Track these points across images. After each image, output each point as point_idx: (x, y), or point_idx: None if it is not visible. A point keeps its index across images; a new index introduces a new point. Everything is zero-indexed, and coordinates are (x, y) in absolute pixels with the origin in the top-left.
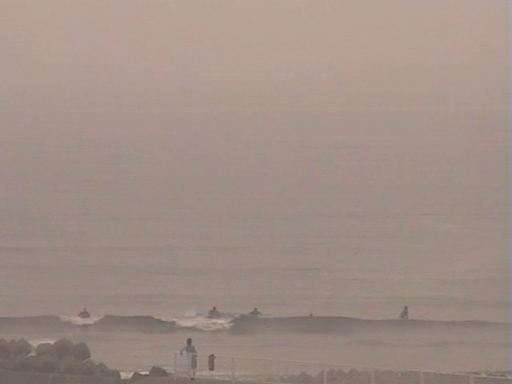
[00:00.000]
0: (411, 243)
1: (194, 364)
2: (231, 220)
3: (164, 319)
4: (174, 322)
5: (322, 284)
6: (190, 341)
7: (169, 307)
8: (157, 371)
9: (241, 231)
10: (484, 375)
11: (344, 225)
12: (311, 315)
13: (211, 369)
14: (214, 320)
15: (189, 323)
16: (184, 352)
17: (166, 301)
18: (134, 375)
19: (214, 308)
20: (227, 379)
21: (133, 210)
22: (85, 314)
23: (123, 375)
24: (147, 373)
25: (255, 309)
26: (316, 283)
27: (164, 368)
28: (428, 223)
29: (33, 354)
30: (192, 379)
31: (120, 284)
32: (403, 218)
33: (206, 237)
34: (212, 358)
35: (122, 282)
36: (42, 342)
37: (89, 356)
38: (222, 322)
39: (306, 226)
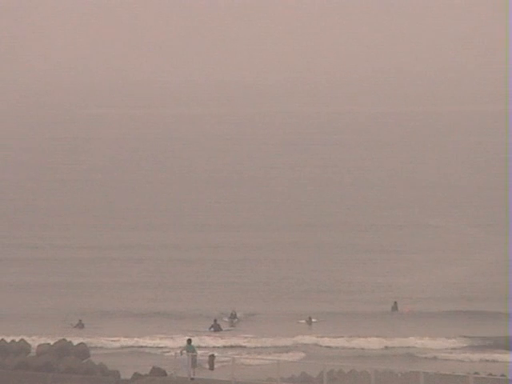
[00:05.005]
0: (409, 246)
1: (194, 364)
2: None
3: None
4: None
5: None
6: (190, 341)
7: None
8: (157, 371)
9: (233, 238)
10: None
11: (341, 228)
12: (310, 318)
13: (211, 369)
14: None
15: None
16: (184, 352)
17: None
18: (134, 375)
19: (233, 312)
20: (227, 379)
21: (129, 212)
22: (80, 326)
23: (123, 375)
24: (147, 373)
25: (232, 312)
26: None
27: (164, 368)
28: (426, 225)
29: (33, 354)
30: (192, 379)
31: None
32: (403, 219)
33: (199, 245)
34: (212, 357)
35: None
36: (42, 342)
37: (89, 356)
38: None
39: (301, 235)
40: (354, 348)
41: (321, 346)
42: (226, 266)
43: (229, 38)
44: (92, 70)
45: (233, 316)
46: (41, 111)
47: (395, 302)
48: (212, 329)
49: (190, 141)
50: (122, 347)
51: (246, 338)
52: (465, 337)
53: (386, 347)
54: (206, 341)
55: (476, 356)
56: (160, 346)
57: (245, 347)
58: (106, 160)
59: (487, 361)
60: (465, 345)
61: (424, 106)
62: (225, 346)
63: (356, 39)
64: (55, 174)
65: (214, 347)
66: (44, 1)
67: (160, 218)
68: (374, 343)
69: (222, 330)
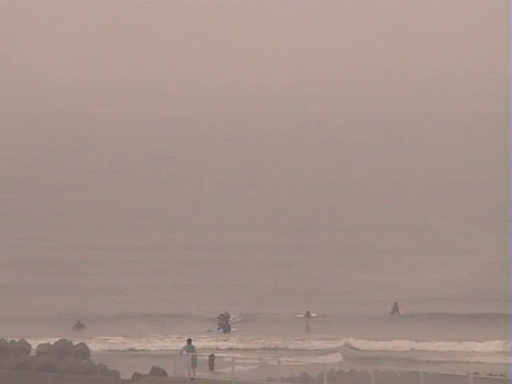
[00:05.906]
0: (408, 246)
1: (194, 364)
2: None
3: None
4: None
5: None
6: (190, 341)
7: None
8: (157, 371)
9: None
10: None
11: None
12: (308, 312)
13: (211, 369)
14: None
15: None
16: (184, 352)
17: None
18: (134, 375)
19: (225, 313)
20: (227, 379)
21: (130, 215)
22: (80, 326)
23: (123, 375)
24: (147, 373)
25: (224, 313)
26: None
27: (164, 368)
28: (427, 225)
29: (33, 354)
30: (192, 379)
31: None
32: (404, 219)
33: (199, 246)
34: (212, 357)
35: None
36: (42, 342)
37: (89, 356)
38: None
39: (301, 235)
40: (384, 350)
41: (358, 349)
42: (227, 267)
43: (229, 39)
44: (92, 70)
45: (224, 318)
46: (41, 111)
47: (396, 303)
48: (221, 329)
49: (190, 141)
50: (122, 347)
51: (252, 339)
52: (466, 338)
53: (413, 349)
54: (208, 341)
55: (476, 357)
56: (160, 346)
57: (256, 349)
58: (106, 160)
59: (487, 362)
60: (466, 346)
61: (424, 106)
62: (246, 349)
63: (356, 39)
64: (55, 174)
65: (230, 349)
66: (44, 1)
67: (159, 218)
68: (401, 345)
69: (230, 330)
